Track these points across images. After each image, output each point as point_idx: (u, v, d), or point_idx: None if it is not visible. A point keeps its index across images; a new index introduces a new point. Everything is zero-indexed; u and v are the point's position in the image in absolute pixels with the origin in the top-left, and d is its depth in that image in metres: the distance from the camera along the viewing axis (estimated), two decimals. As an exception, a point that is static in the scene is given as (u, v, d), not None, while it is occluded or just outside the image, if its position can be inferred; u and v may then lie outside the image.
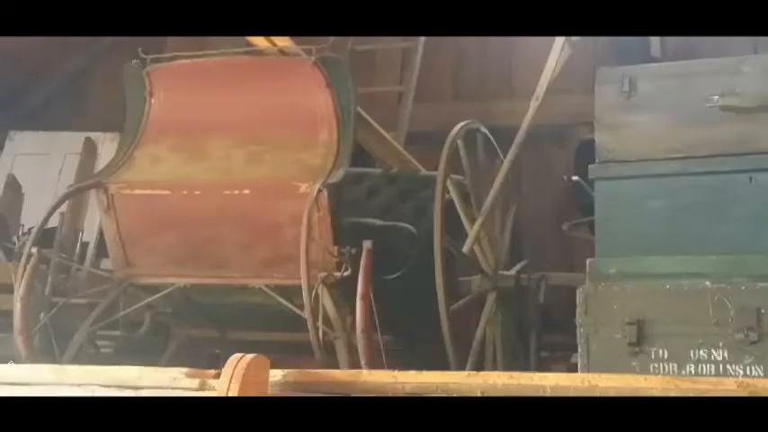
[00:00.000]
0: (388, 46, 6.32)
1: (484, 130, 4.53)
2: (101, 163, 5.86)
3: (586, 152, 3.58)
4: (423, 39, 6.07)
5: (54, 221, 4.16)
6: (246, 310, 3.62)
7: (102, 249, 4.63)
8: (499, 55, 6.35)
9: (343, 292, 3.31)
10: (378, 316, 3.17)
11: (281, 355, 2.93)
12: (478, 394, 2.28)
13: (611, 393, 2.21)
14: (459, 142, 4.12)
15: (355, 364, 3.21)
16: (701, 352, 2.94)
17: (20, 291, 3.38)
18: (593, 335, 3.03)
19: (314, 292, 3.23)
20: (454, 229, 4.07)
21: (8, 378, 2.63)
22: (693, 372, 2.93)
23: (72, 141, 6.31)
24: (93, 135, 6.34)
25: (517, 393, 2.26)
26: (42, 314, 3.73)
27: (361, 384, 2.40)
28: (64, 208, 4.58)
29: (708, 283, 2.98)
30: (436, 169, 3.91)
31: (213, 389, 2.36)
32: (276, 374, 2.40)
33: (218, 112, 3.65)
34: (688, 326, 2.97)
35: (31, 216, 4.74)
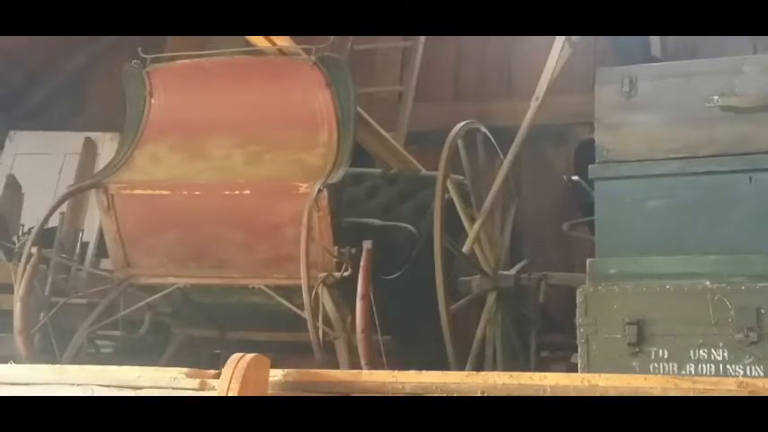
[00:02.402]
0: (389, 45, 6.33)
1: (484, 130, 4.53)
2: (101, 163, 5.87)
3: (586, 152, 3.58)
4: (423, 39, 6.08)
5: (54, 221, 4.16)
6: (246, 310, 3.62)
7: (102, 249, 4.63)
8: (499, 55, 6.35)
9: (343, 292, 3.31)
10: (378, 316, 3.16)
11: (281, 355, 2.94)
12: (478, 394, 2.28)
13: (611, 393, 2.21)
14: (460, 142, 4.12)
15: (355, 364, 3.20)
16: (701, 352, 2.93)
17: (20, 291, 3.37)
18: (593, 335, 3.03)
19: (314, 292, 3.22)
20: (454, 229, 4.07)
21: (8, 378, 2.63)
22: (693, 372, 2.92)
23: (72, 141, 6.33)
24: (93, 135, 6.35)
25: (517, 393, 2.26)
26: (42, 314, 3.72)
27: (361, 384, 2.40)
28: (64, 208, 4.58)
29: (708, 283, 2.98)
30: (436, 169, 3.91)
31: (213, 389, 2.36)
32: (276, 374, 2.40)
33: (218, 112, 3.64)
34: (688, 326, 2.96)
35: (31, 216, 4.74)
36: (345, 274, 3.21)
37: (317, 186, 3.25)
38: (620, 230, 3.21)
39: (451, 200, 4.05)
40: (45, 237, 3.66)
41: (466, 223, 4.17)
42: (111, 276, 3.71)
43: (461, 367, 3.71)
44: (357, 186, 4.43)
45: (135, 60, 3.71)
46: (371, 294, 3.16)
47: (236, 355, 2.33)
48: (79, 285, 4.55)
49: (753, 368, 2.88)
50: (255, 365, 2.31)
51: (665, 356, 2.97)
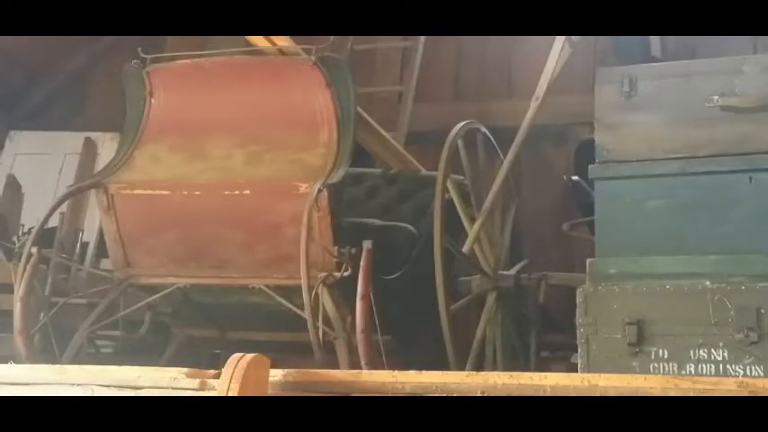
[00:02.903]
0: (389, 45, 6.33)
1: (484, 130, 4.53)
2: (101, 163, 5.87)
3: (586, 152, 3.58)
4: (423, 39, 6.08)
5: (54, 221, 4.16)
6: (246, 310, 3.62)
7: (102, 249, 4.63)
8: (499, 55, 6.35)
9: (343, 292, 3.31)
10: (378, 316, 3.16)
11: (281, 355, 2.94)
12: (478, 394, 2.28)
13: (611, 393, 2.21)
14: (459, 142, 4.12)
15: (355, 364, 3.20)
16: (701, 352, 2.93)
17: (20, 291, 3.37)
18: (593, 335, 3.03)
19: (314, 292, 3.22)
20: (454, 229, 4.07)
21: (8, 378, 2.63)
22: (693, 372, 2.92)
23: (72, 141, 6.33)
24: (93, 135, 6.36)
25: (517, 393, 2.26)
26: (42, 314, 3.72)
27: (361, 384, 2.40)
28: (64, 208, 4.58)
29: (708, 283, 2.98)
30: (436, 169, 3.91)
31: (213, 389, 2.36)
32: (276, 374, 2.40)
33: (218, 112, 3.64)
34: (688, 326, 2.96)
35: (31, 216, 4.74)
36: (345, 274, 3.21)
37: (317, 186, 3.25)
38: (620, 230, 3.21)
39: (451, 200, 4.06)
40: (45, 237, 3.66)
41: (466, 223, 4.17)
42: (111, 276, 3.71)
43: (461, 367, 3.71)
44: (357, 186, 4.43)
45: (135, 60, 3.71)
46: (371, 294, 3.16)
47: (236, 355, 2.33)
48: (79, 285, 4.55)
49: (753, 368, 2.88)
50: (255, 365, 2.31)
51: (665, 356, 2.97)
